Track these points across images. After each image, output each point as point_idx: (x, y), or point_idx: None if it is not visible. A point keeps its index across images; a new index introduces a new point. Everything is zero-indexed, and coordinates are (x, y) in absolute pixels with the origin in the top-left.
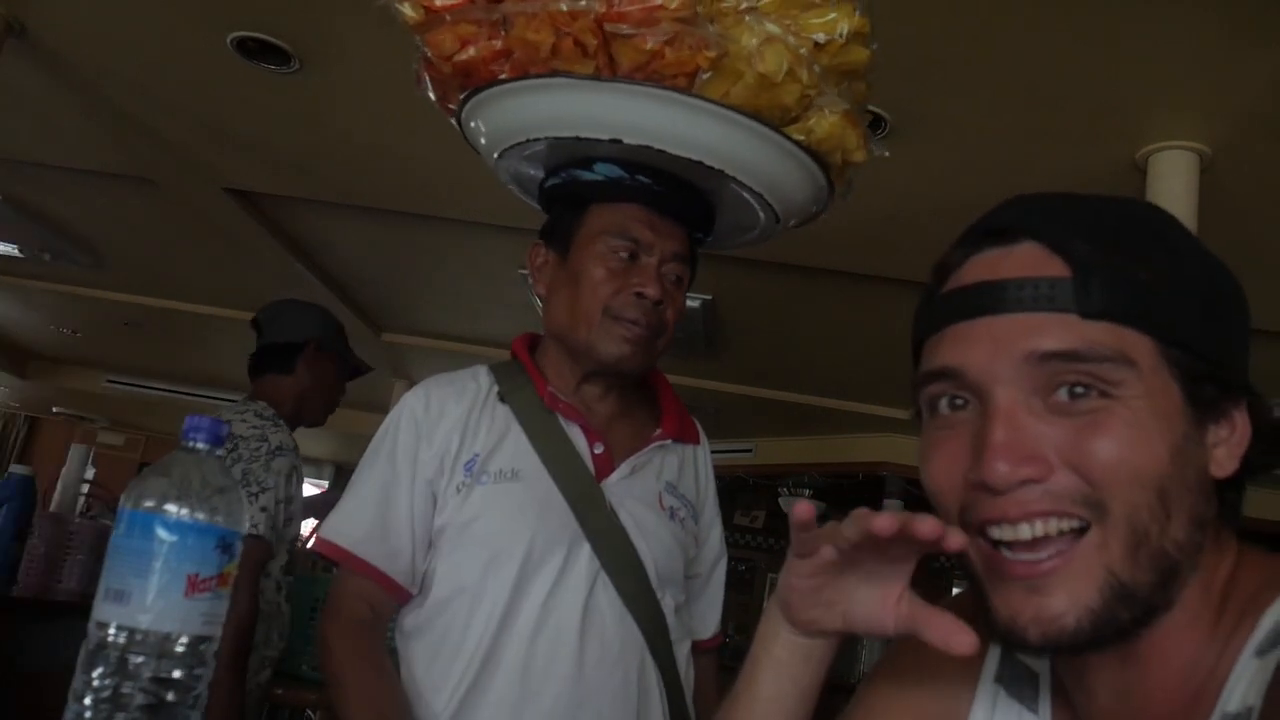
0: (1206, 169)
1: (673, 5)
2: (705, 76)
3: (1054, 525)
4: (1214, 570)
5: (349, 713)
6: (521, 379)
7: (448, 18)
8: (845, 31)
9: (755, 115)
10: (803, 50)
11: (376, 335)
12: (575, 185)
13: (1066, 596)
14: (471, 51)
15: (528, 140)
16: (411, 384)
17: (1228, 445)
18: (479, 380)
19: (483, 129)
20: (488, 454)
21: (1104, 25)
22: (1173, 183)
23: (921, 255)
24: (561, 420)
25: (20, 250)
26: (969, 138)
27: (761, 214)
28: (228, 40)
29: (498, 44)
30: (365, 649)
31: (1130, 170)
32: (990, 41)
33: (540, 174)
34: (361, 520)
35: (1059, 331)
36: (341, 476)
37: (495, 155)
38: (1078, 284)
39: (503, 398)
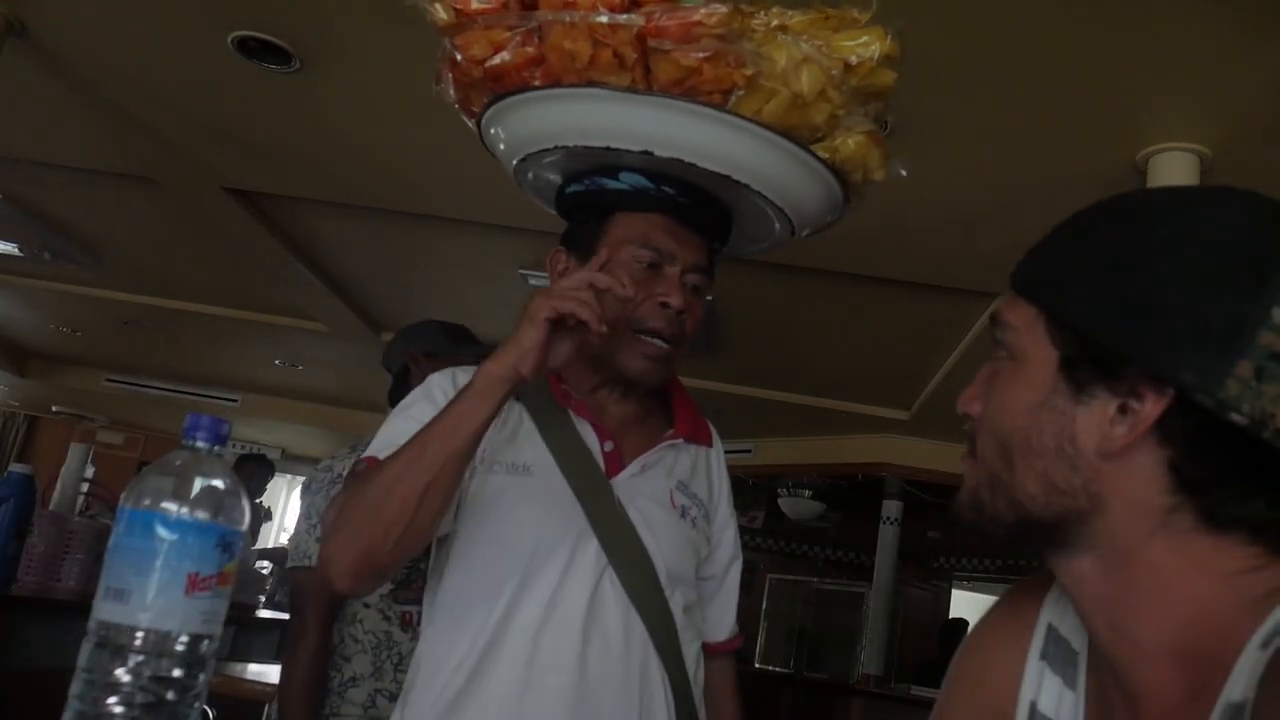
0: (1206, 170)
1: (711, 22)
2: (739, 94)
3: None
4: (1192, 555)
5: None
6: (536, 378)
7: (480, 21)
8: (877, 54)
9: (787, 134)
10: (834, 71)
11: (376, 335)
12: (600, 193)
13: (961, 490)
14: (505, 56)
15: (556, 147)
16: None
17: (1130, 425)
18: None
19: (512, 133)
20: (500, 447)
21: (1104, 26)
22: (1173, 184)
23: (921, 256)
24: (573, 417)
25: (20, 250)
26: (969, 139)
27: (777, 225)
28: (228, 40)
29: (531, 50)
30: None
31: (1130, 172)
32: (990, 43)
33: (559, 180)
34: (401, 441)
35: (999, 302)
36: None
37: (516, 160)
38: (1019, 264)
39: (518, 395)
